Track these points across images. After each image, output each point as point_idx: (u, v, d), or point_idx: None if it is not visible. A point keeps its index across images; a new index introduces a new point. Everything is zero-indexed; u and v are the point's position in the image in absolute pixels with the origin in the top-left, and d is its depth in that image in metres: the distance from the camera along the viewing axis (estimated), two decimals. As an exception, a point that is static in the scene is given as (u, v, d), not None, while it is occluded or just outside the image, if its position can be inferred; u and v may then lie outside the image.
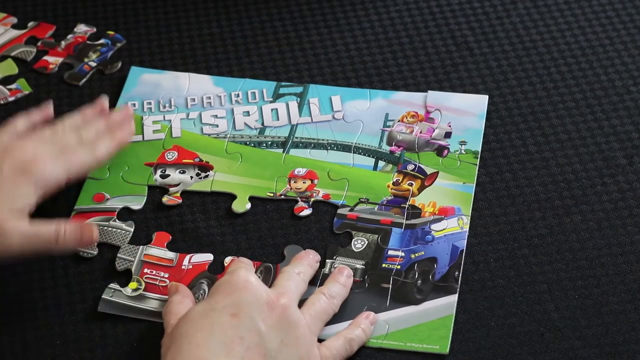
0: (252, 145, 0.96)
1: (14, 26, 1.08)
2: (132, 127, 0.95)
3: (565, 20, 1.05)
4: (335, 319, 0.82)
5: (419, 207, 0.90)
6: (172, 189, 0.93)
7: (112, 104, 0.99)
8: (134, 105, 0.99)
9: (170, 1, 1.10)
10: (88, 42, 1.06)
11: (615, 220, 0.89)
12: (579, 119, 0.96)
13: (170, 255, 0.88)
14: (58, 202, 0.92)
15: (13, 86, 1.03)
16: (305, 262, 0.85)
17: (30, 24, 1.09)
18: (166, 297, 0.84)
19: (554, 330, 0.82)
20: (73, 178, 0.89)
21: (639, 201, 0.90)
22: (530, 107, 0.98)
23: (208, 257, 0.88)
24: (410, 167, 0.94)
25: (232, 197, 0.92)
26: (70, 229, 0.84)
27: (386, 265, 0.86)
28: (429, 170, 0.93)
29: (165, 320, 0.80)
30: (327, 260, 0.87)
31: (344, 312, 0.83)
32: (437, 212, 0.90)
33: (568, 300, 0.84)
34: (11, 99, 1.02)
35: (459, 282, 0.85)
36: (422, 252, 0.87)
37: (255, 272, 0.85)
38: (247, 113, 0.99)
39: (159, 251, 0.89)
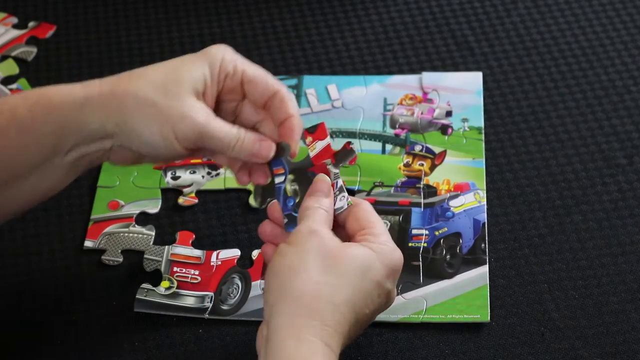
0: None
1: (15, 26, 1.08)
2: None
3: (565, 20, 1.05)
4: None
5: (434, 185, 0.92)
6: (186, 190, 0.93)
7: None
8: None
9: (171, 1, 1.10)
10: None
11: (616, 220, 0.89)
12: (579, 118, 0.96)
13: (197, 252, 0.89)
14: (74, 208, 0.93)
15: (14, 86, 1.03)
16: None
17: (31, 24, 1.09)
18: (201, 293, 0.85)
19: (554, 330, 0.82)
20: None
21: (639, 201, 0.90)
22: (531, 106, 0.98)
23: (235, 252, 0.88)
24: (417, 147, 0.94)
25: (247, 192, 0.93)
26: (249, 140, 0.77)
27: (412, 244, 0.88)
28: (436, 150, 0.94)
29: (308, 222, 0.75)
30: None
31: None
32: (452, 189, 0.91)
33: (568, 300, 0.84)
34: (12, 99, 1.02)
35: (487, 253, 0.86)
36: (446, 229, 0.88)
37: None
38: (247, 109, 0.99)
39: (185, 250, 0.89)
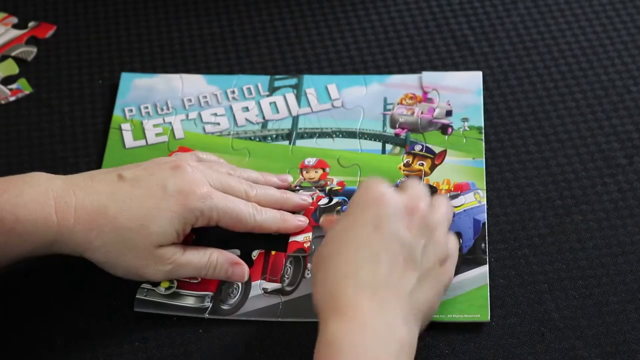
0: (257, 139, 0.97)
1: (15, 26, 1.08)
2: (305, 222, 0.89)
3: (565, 19, 1.05)
4: None
5: (434, 185, 0.91)
6: None
7: (108, 112, 0.99)
8: (131, 111, 0.99)
9: (171, 1, 1.10)
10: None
11: (616, 220, 0.89)
12: (579, 118, 0.96)
13: None
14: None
15: (14, 86, 1.03)
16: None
17: (31, 24, 1.09)
18: (201, 293, 0.85)
19: (554, 330, 0.82)
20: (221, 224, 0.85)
21: (639, 201, 0.90)
22: (531, 106, 0.98)
23: (235, 252, 0.88)
24: (418, 147, 0.94)
25: None
26: (220, 264, 0.85)
27: None
28: (436, 149, 0.94)
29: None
30: None
31: None
32: (452, 189, 0.91)
33: (568, 300, 0.84)
34: (12, 98, 1.02)
35: (487, 253, 0.86)
36: None
37: (285, 263, 0.87)
38: (246, 109, 0.99)
39: None
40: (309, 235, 0.88)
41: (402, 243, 0.76)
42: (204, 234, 0.90)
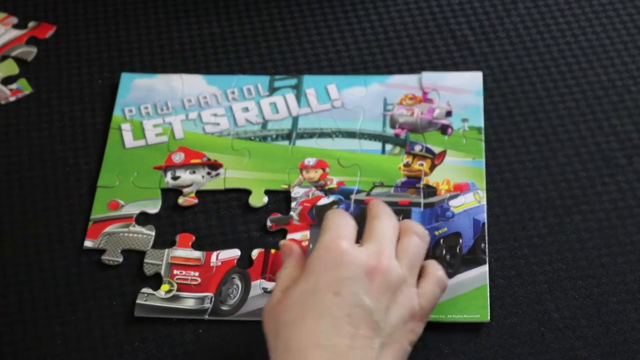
0: (257, 140, 0.97)
1: (15, 26, 1.08)
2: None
3: (565, 20, 1.05)
4: None
5: (434, 185, 0.91)
6: (185, 190, 0.93)
7: (108, 112, 0.99)
8: (131, 111, 0.99)
9: (171, 1, 1.10)
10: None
11: (615, 220, 0.89)
12: (579, 118, 0.96)
13: (197, 254, 0.89)
14: (74, 208, 0.93)
15: (14, 86, 1.03)
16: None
17: (31, 24, 1.09)
18: (200, 294, 0.85)
19: (554, 330, 0.82)
20: None
21: (639, 201, 0.90)
22: (531, 106, 0.98)
23: (235, 252, 0.88)
24: (417, 147, 0.94)
25: (247, 192, 0.93)
26: None
27: None
28: (436, 150, 0.94)
29: (275, 288, 0.78)
30: None
31: None
32: (452, 189, 0.91)
33: (568, 300, 0.84)
34: (12, 99, 1.02)
35: (487, 253, 0.86)
36: (445, 229, 0.88)
37: None
38: (246, 109, 0.99)
39: (185, 252, 0.89)
40: (307, 233, 0.88)
41: (363, 309, 0.74)
42: (204, 234, 0.90)
